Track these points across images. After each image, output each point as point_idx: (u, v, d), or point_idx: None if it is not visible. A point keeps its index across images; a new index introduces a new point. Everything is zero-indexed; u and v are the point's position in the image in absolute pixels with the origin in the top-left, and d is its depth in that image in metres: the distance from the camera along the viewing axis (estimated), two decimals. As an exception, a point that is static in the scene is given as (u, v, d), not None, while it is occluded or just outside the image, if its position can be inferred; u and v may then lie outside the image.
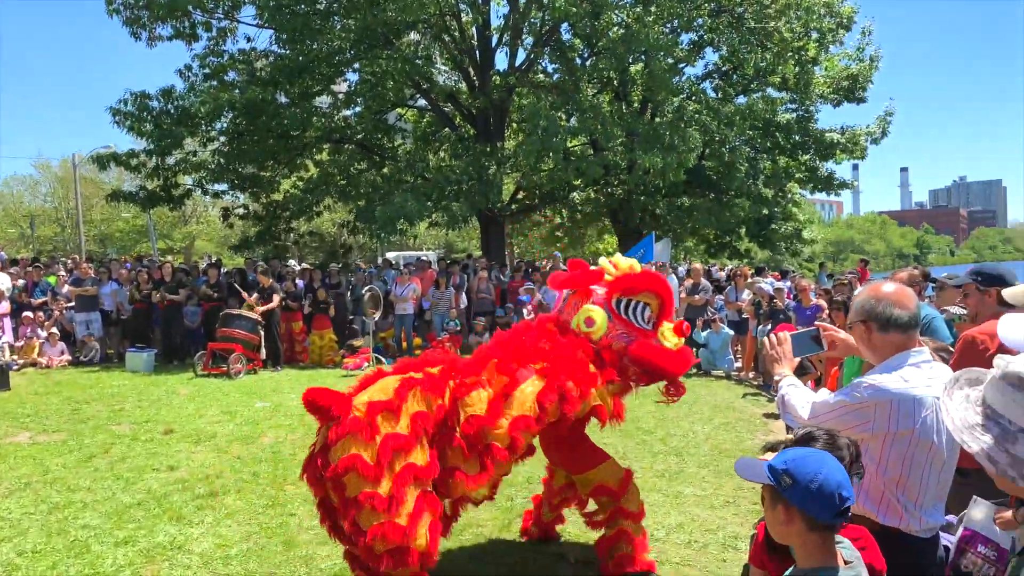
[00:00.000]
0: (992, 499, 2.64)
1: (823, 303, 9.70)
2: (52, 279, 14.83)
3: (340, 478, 3.43)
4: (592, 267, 4.63)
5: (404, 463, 3.48)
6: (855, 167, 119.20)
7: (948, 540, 2.16)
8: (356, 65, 19.13)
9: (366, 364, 12.17)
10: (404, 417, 3.59)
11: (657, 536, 5.11)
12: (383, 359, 13.03)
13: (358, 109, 20.16)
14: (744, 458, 1.95)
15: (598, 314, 4.26)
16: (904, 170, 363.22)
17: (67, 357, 13.36)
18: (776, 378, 2.77)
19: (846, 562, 1.76)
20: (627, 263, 4.55)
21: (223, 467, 6.70)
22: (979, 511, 2.12)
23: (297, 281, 14.92)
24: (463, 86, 20.66)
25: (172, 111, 17.61)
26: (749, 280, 13.27)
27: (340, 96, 20.05)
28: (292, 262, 21.83)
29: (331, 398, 3.58)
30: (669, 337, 4.42)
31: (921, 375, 2.37)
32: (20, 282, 14.23)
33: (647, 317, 4.39)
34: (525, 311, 14.35)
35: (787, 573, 1.81)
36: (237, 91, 17.93)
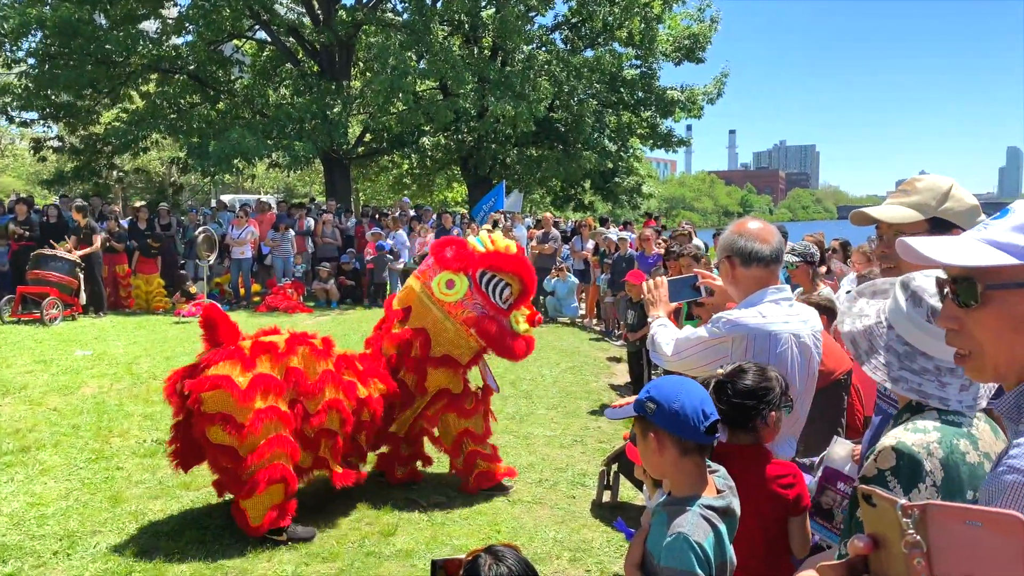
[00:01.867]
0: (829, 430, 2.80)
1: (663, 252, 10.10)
2: None
3: (204, 391, 3.74)
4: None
5: (269, 404, 3.82)
6: (689, 128, 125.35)
7: (810, 480, 2.26)
8: (188, -12, 17.59)
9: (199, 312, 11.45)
10: (283, 367, 3.96)
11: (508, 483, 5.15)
12: (219, 306, 12.31)
13: (190, 38, 18.59)
14: (614, 410, 1.95)
15: (459, 279, 4.55)
16: (732, 132, 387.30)
17: None
18: (649, 320, 2.78)
19: (719, 491, 1.78)
20: (504, 243, 4.77)
21: (36, 420, 6.05)
22: (839, 449, 2.23)
23: (121, 220, 13.69)
24: (307, 20, 19.55)
25: (-33, 25, 15.46)
26: (595, 230, 13.61)
27: (170, 22, 18.40)
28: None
29: (226, 325, 3.96)
30: (520, 322, 4.75)
31: (779, 311, 2.44)
32: None
33: (504, 296, 4.63)
34: (366, 255, 14.03)
35: (659, 501, 1.81)
36: (48, 8, 15.99)
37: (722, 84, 22.72)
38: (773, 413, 2.15)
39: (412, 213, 16.44)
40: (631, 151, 24.32)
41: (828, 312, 3.48)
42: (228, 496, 4.21)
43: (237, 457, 3.76)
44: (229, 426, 3.71)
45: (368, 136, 21.26)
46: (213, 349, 3.92)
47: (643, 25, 20.34)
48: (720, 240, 2.62)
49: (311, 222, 15.15)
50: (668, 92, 22.41)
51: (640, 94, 22.61)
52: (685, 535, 1.65)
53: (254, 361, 3.88)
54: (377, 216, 16.49)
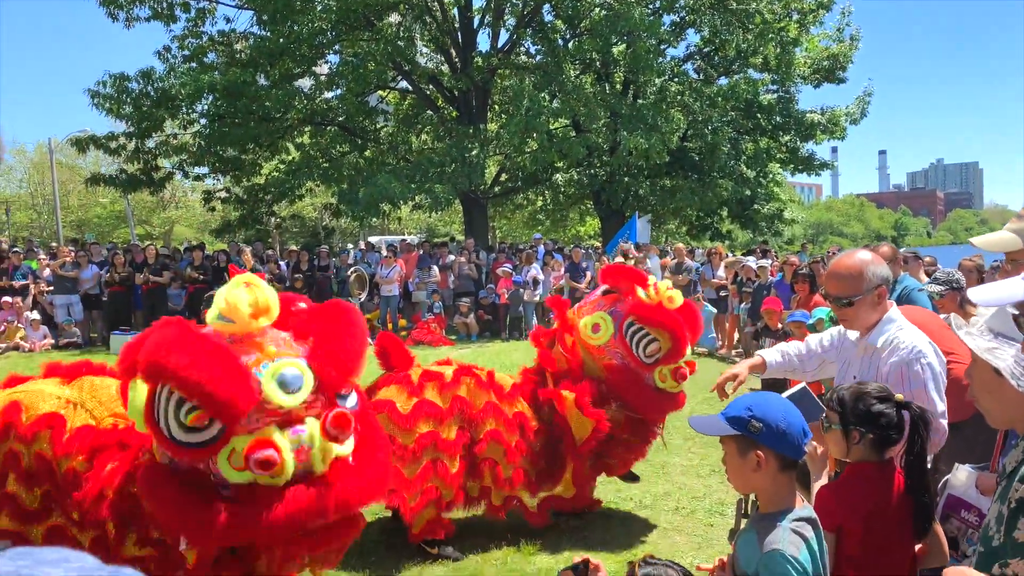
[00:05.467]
0: (979, 461, 2.74)
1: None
2: (34, 264, 14.69)
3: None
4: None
5: (430, 429, 4.02)
6: (834, 150, 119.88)
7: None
8: (337, 47, 19.01)
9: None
10: (448, 395, 4.13)
11: (645, 503, 5.23)
12: (369, 340, 13.08)
13: (340, 91, 20.03)
14: (695, 416, 2.03)
15: (607, 325, 4.34)
16: (882, 152, 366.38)
17: (50, 341, 13.28)
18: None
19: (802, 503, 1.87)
20: (668, 294, 4.38)
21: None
22: (961, 476, 2.22)
23: (280, 263, 14.90)
24: (445, 68, 20.58)
25: (152, 93, 17.43)
26: (730, 259, 13.41)
27: (322, 78, 19.91)
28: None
29: (398, 352, 4.24)
30: (665, 378, 4.36)
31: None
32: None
33: (649, 351, 4.33)
34: (499, 289, 14.45)
35: (752, 518, 1.90)
36: (217, 73, 17.76)
37: (866, 103, 21.86)
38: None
39: (543, 249, 16.80)
40: (770, 176, 23.74)
41: None
42: (385, 513, 4.57)
43: (400, 478, 3.95)
44: (393, 447, 3.86)
45: (504, 176, 21.97)
46: (386, 374, 4.24)
47: (779, 50, 19.96)
48: (868, 271, 2.68)
49: (451, 259, 15.85)
50: (808, 115, 21.81)
51: (778, 119, 22.14)
52: (781, 551, 1.72)
53: (421, 388, 4.11)
54: (512, 252, 17.00)
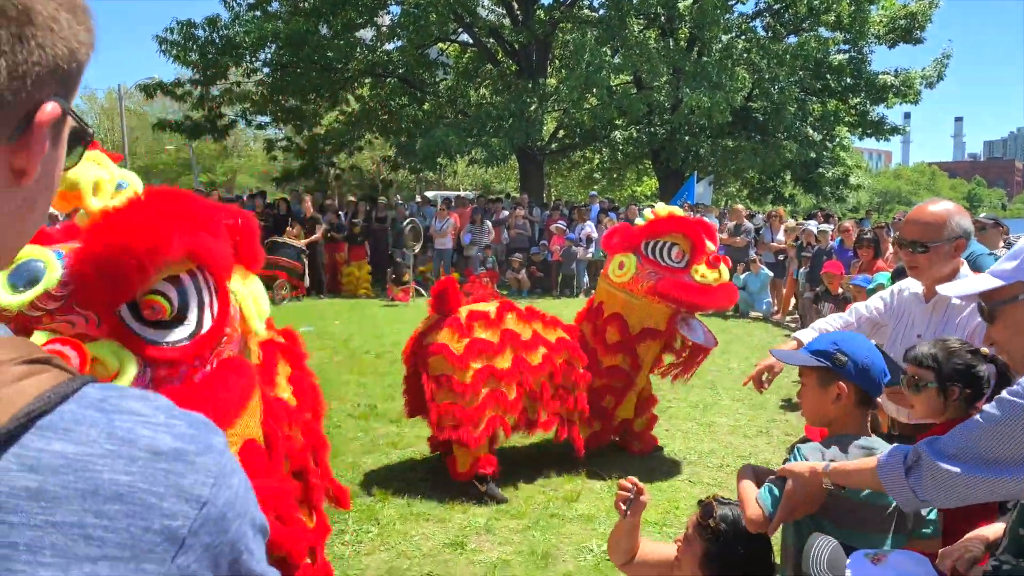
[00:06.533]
0: None
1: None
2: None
3: (427, 358, 4.31)
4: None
5: (485, 364, 4.29)
6: (907, 115, 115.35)
7: None
8: (399, -3, 18.95)
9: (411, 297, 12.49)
10: (497, 330, 4.42)
11: (690, 460, 5.25)
12: (423, 292, 13.27)
13: (400, 43, 20.03)
14: (778, 348, 2.10)
15: (627, 259, 4.76)
16: (959, 119, 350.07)
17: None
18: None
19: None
20: (665, 211, 4.89)
21: (271, 383, 6.96)
22: None
23: (339, 213, 15.11)
24: (506, 21, 20.35)
25: (217, 40, 17.68)
26: (792, 224, 13.12)
27: (383, 29, 19.91)
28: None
29: (455, 297, 4.46)
30: (705, 273, 4.72)
31: None
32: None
33: (675, 255, 4.76)
34: (553, 246, 14.43)
35: (825, 439, 1.96)
36: (280, 22, 17.90)
37: (943, 66, 20.89)
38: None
39: (597, 207, 16.64)
40: (837, 140, 22.98)
41: None
42: (431, 454, 4.78)
43: (462, 413, 4.22)
44: (451, 386, 4.23)
45: (561, 132, 21.76)
46: (437, 317, 4.45)
47: (853, 7, 19.15)
48: (952, 220, 2.63)
49: (505, 215, 15.85)
50: (880, 77, 20.96)
51: (848, 80, 21.34)
52: (799, 448, 1.86)
53: (470, 328, 4.35)
54: (567, 210, 16.91)
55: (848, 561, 1.56)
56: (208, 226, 1.66)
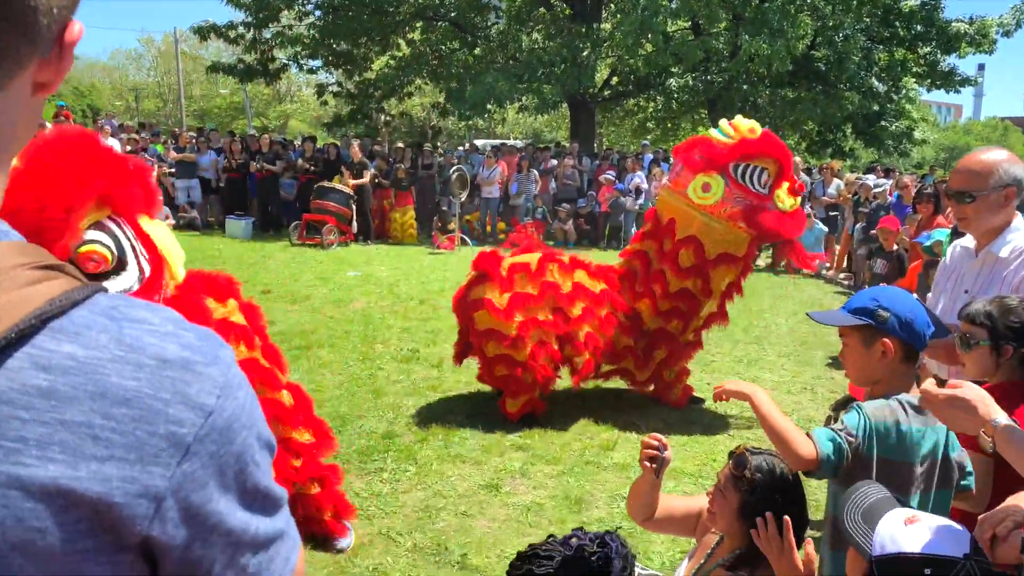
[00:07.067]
0: None
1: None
2: (160, 147, 15.48)
3: (472, 313, 4.51)
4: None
5: (529, 316, 4.41)
6: (981, 67, 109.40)
7: None
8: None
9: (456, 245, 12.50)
10: (537, 283, 4.51)
11: (731, 413, 5.19)
12: (468, 240, 13.28)
13: (452, -15, 19.70)
14: (815, 311, 2.04)
15: (714, 180, 4.54)
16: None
17: (171, 221, 14.07)
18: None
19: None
20: (747, 125, 4.68)
21: (317, 325, 7.09)
22: None
23: (388, 159, 15.11)
24: (562, -38, 19.82)
25: (269, -18, 17.62)
26: (850, 177, 12.70)
27: (436, -30, 19.59)
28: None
29: (490, 261, 4.58)
30: (785, 200, 4.64)
31: None
32: (128, 148, 14.91)
33: (763, 181, 4.58)
34: (601, 197, 14.23)
35: (870, 397, 1.91)
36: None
37: (1022, 14, 19.70)
38: None
39: (650, 157, 16.31)
40: (903, 92, 21.96)
41: None
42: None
43: (513, 363, 4.38)
44: (499, 339, 4.42)
45: (615, 79, 21.26)
46: (480, 272, 4.58)
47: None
48: (1000, 168, 2.47)
49: (554, 163, 15.65)
50: (953, 25, 19.86)
51: (919, 27, 20.26)
52: (861, 406, 1.79)
53: (511, 282, 4.49)
54: (617, 159, 16.62)
55: (884, 516, 1.51)
56: (115, 170, 1.63)
